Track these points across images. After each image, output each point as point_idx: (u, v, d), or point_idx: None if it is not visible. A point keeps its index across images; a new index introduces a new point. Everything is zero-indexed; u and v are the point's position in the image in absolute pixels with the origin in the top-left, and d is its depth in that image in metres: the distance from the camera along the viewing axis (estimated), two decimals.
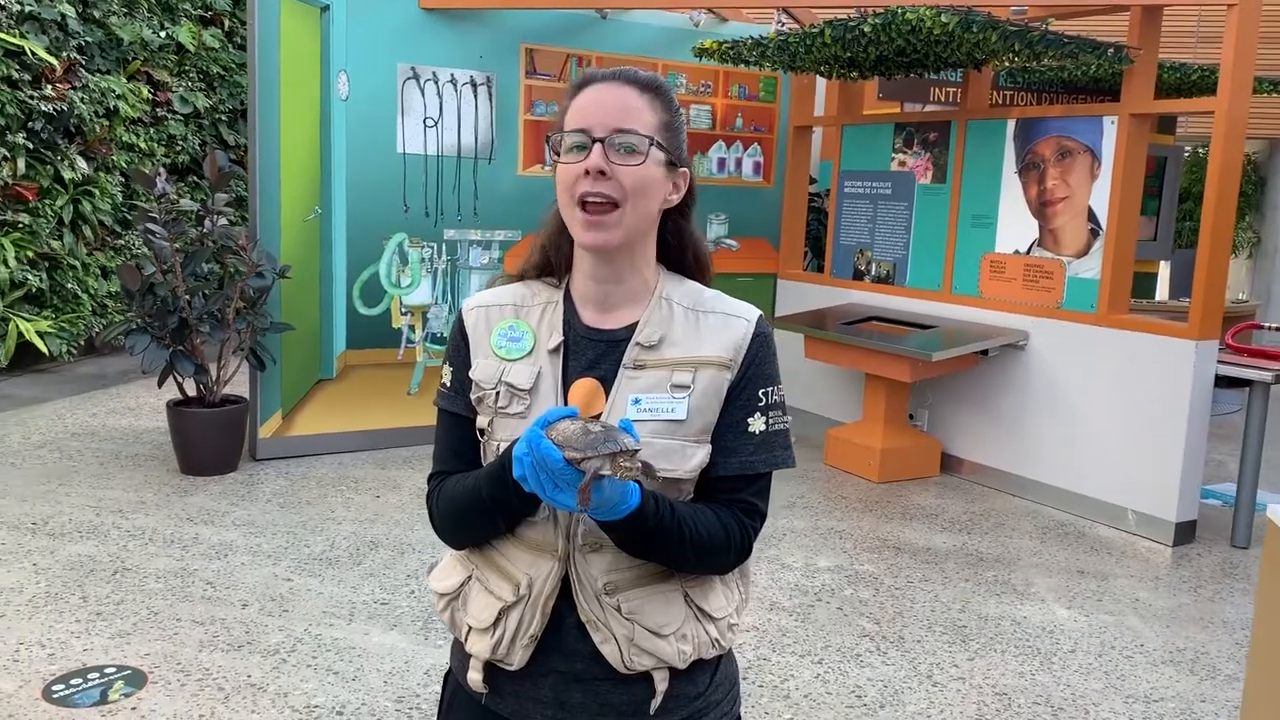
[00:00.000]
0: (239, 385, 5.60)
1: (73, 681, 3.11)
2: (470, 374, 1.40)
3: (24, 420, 6.00)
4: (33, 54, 6.69)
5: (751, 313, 1.42)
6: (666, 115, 1.37)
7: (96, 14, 7.34)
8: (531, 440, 1.18)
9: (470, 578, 1.41)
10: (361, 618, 3.63)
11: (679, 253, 1.46)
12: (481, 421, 1.39)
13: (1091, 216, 5.06)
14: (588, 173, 1.30)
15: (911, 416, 5.89)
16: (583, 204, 1.32)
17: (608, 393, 1.35)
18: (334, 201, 5.46)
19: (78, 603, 3.64)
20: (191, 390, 5.18)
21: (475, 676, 1.38)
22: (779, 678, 3.35)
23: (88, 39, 7.27)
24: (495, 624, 1.35)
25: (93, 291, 7.43)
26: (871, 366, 5.49)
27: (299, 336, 5.42)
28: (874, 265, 6.23)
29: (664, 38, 6.21)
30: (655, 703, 1.33)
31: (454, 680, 1.46)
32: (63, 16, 6.99)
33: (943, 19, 4.30)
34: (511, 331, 1.40)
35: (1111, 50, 4.74)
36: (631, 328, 1.38)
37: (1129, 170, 4.91)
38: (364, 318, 5.63)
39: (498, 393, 1.37)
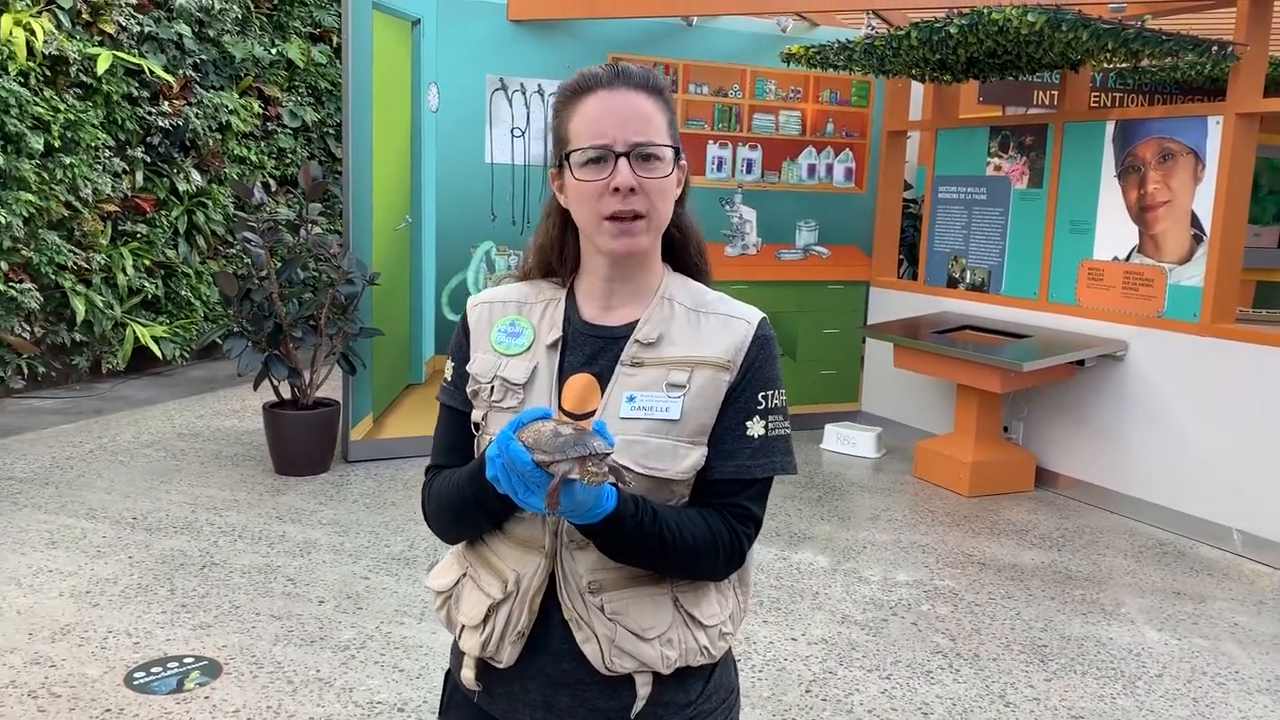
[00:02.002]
0: (332, 389, 5.77)
1: (153, 669, 3.24)
2: (469, 368, 1.41)
3: (136, 420, 6.29)
4: (151, 72, 7.03)
5: (754, 315, 1.40)
6: (669, 113, 1.37)
7: (211, 33, 7.68)
8: (502, 442, 1.18)
9: (464, 575, 1.42)
10: (431, 617, 3.69)
11: (682, 244, 1.45)
12: (476, 416, 1.40)
13: (1195, 221, 4.83)
14: (617, 191, 1.30)
15: (1006, 429, 5.71)
16: (608, 217, 1.32)
17: (603, 389, 1.34)
18: (424, 210, 5.58)
19: (165, 595, 3.79)
20: (286, 393, 5.36)
21: (468, 674, 1.39)
22: (843, 692, 3.28)
23: (203, 57, 7.61)
24: (485, 620, 1.36)
25: (205, 298, 7.75)
26: (962, 377, 5.35)
27: (389, 342, 5.56)
28: (968, 272, 6.07)
29: (751, 44, 6.18)
30: (636, 707, 1.32)
31: (452, 679, 1.47)
32: (180, 36, 7.33)
33: (1029, 18, 4.17)
34: (512, 327, 1.41)
35: (1215, 47, 4.52)
36: (632, 325, 1.38)
37: (1235, 172, 4.68)
38: (452, 324, 5.73)
39: (492, 386, 1.37)
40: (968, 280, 6.07)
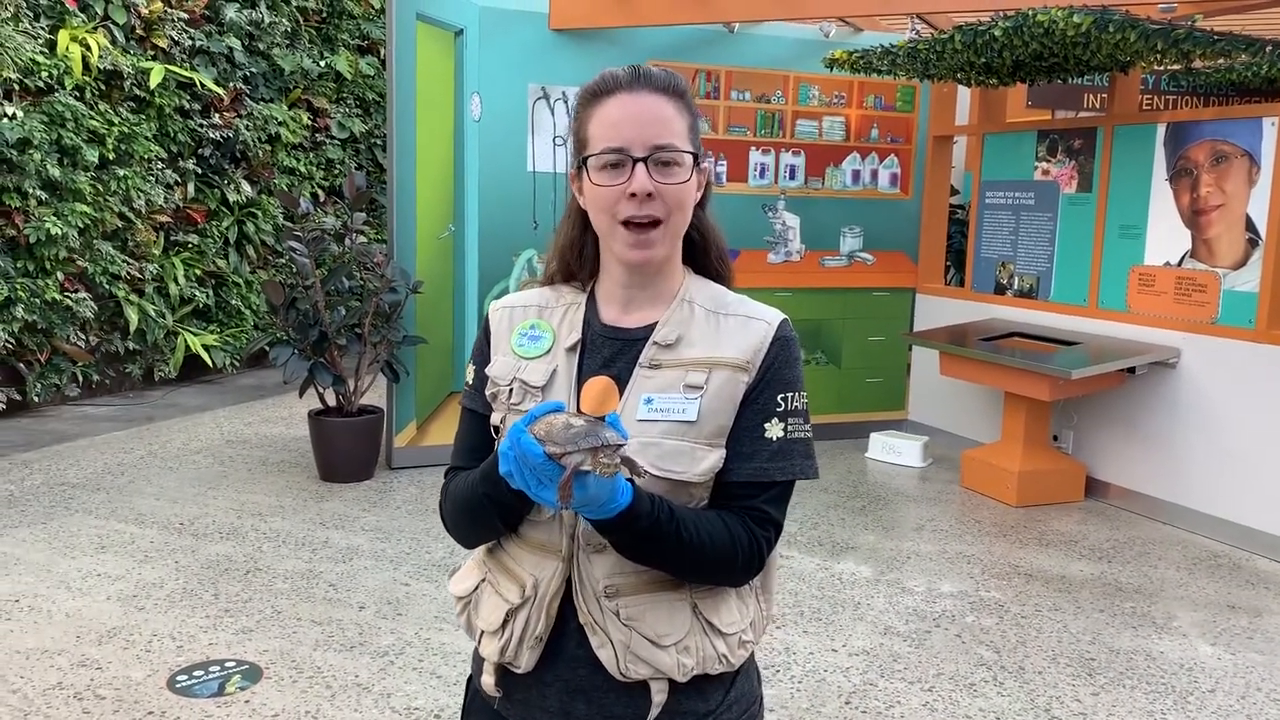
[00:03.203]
0: (376, 396, 5.82)
1: (195, 673, 3.27)
2: (488, 370, 1.41)
3: (187, 427, 6.40)
4: (202, 85, 7.16)
5: (774, 316, 1.38)
6: (690, 117, 1.36)
7: (261, 46, 7.81)
8: (514, 435, 1.16)
9: (483, 581, 1.41)
10: None
11: (703, 249, 1.43)
12: (495, 418, 1.39)
13: (1250, 225, 4.71)
14: (634, 195, 1.29)
15: (1055, 438, 5.61)
16: (625, 222, 1.31)
17: (622, 392, 1.33)
18: (467, 219, 5.62)
19: (209, 599, 3.84)
20: (331, 400, 5.41)
21: (488, 680, 1.38)
22: (884, 704, 3.23)
23: (253, 70, 7.73)
24: (504, 626, 1.35)
25: (255, 307, 7.87)
26: (1010, 385, 5.26)
27: (433, 349, 5.60)
28: (1016, 279, 5.98)
29: (795, 50, 6.14)
30: (651, 715, 1.30)
31: (474, 685, 1.46)
32: (230, 50, 7.46)
33: (1075, 19, 4.10)
34: (532, 331, 1.41)
35: (1270, 47, 4.41)
36: (650, 327, 1.37)
37: None
38: None
39: (511, 389, 1.37)
40: (1015, 287, 5.98)
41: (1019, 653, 3.61)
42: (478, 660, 1.43)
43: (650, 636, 1.29)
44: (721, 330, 1.35)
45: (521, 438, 1.15)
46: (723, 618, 1.33)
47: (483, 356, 1.44)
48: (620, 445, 1.16)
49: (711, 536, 1.28)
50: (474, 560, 1.46)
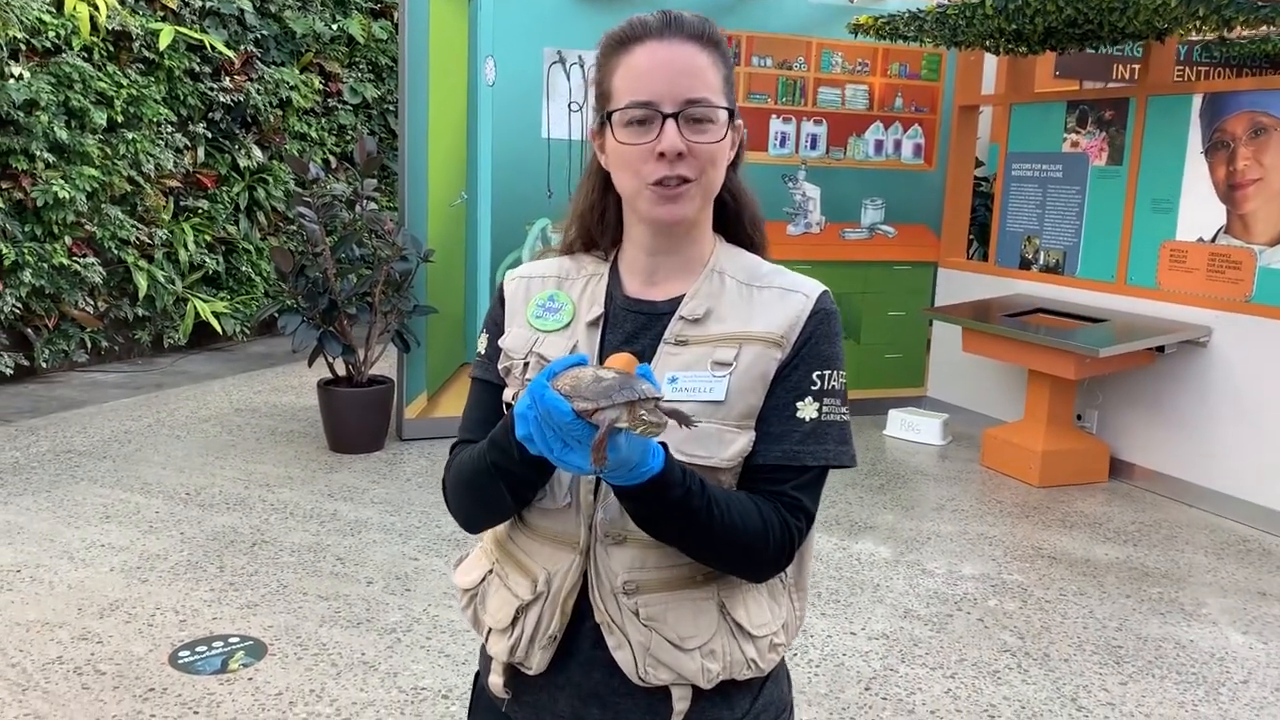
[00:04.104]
0: (387, 367, 5.72)
1: (198, 649, 3.20)
2: (500, 342, 1.30)
3: (195, 395, 6.32)
4: (213, 48, 7.03)
5: (813, 288, 1.26)
6: (725, 69, 1.23)
7: (272, 8, 7.66)
8: (535, 392, 1.02)
9: (490, 572, 1.30)
10: None
11: (736, 215, 1.31)
12: (508, 394, 1.28)
13: None
14: (663, 156, 1.17)
15: (1079, 417, 5.47)
16: (652, 185, 1.19)
17: None
18: (480, 186, 5.49)
19: (214, 572, 3.76)
20: (341, 370, 5.32)
21: (496, 680, 1.28)
22: (905, 690, 3.13)
23: (264, 32, 7.59)
24: (513, 624, 1.24)
25: (265, 274, 7.77)
26: (1034, 362, 5.13)
27: (444, 319, 5.49)
28: (1042, 254, 5.82)
29: (818, 15, 5.97)
30: None
31: (480, 682, 1.36)
32: (241, 11, 7.32)
33: None
34: (550, 302, 1.29)
35: None
36: (677, 300, 1.25)
37: None
38: None
39: (527, 363, 1.26)
40: (1041, 262, 5.83)
41: (1043, 639, 3.51)
42: (485, 658, 1.33)
43: (672, 639, 1.18)
44: (754, 304, 1.24)
45: (545, 394, 1.01)
46: (753, 618, 1.22)
47: (496, 327, 1.33)
48: (659, 398, 1.03)
49: (743, 518, 1.16)
50: (481, 549, 1.35)
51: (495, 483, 1.18)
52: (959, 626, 3.58)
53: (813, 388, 1.21)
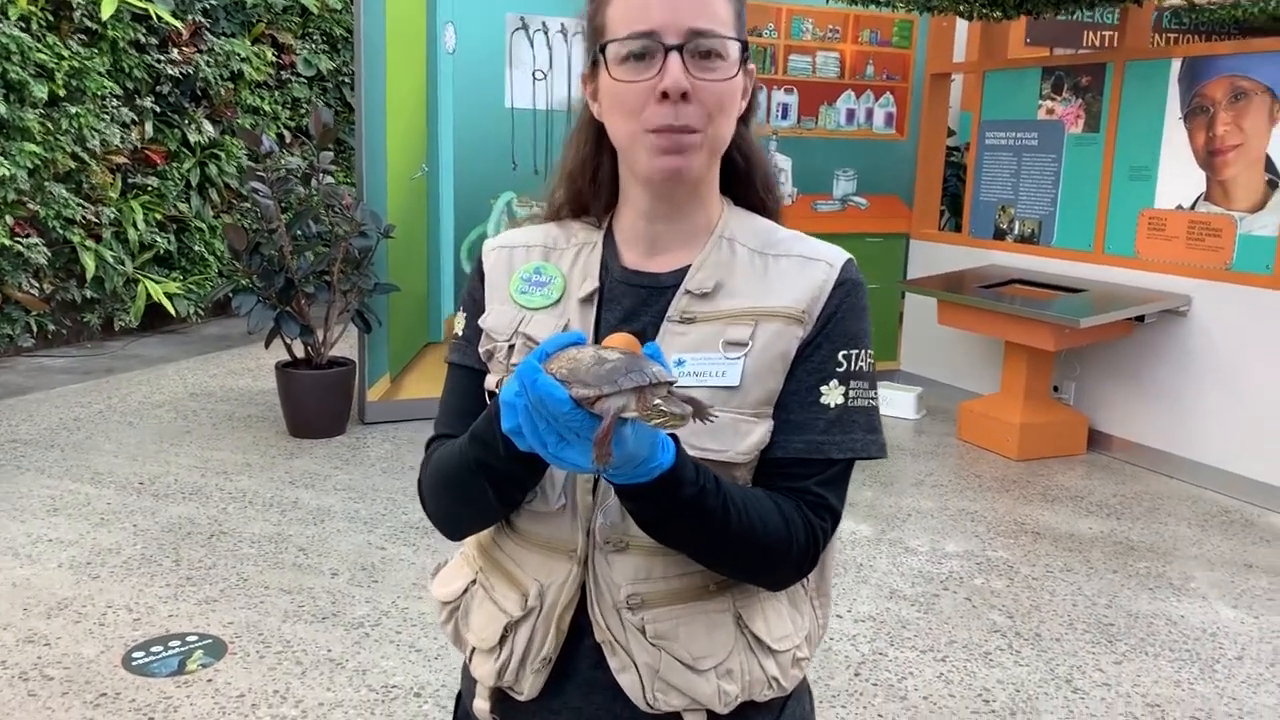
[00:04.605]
0: (347, 348, 5.53)
1: (153, 649, 3.02)
2: (481, 322, 1.14)
3: (148, 380, 6.09)
4: (159, 18, 6.74)
5: (837, 256, 1.11)
6: (737, 1, 1.07)
7: None
8: (526, 376, 0.86)
9: (474, 583, 1.15)
10: None
11: (746, 175, 1.16)
12: (490, 381, 1.12)
13: (1270, 166, 4.48)
14: (666, 97, 1.00)
15: (1056, 389, 5.40)
16: (653, 132, 1.03)
17: None
18: (441, 159, 5.29)
19: (170, 566, 3.57)
20: (299, 352, 5.12)
21: (481, 705, 1.12)
22: (896, 675, 3.03)
23: (213, 2, 7.31)
24: (501, 643, 1.09)
25: (219, 254, 7.51)
26: (1012, 334, 5.03)
27: (406, 298, 5.30)
28: (1017, 223, 5.73)
29: None
30: None
31: (463, 706, 1.21)
32: None
33: None
34: (537, 276, 1.13)
35: None
36: (682, 272, 1.10)
37: None
38: None
39: (512, 345, 1.10)
40: (1016, 231, 5.74)
41: (1033, 618, 3.42)
42: (468, 680, 1.17)
43: (684, 658, 1.04)
44: (771, 275, 1.09)
45: (538, 378, 0.85)
46: (773, 630, 1.08)
47: (476, 304, 1.17)
48: (673, 383, 0.87)
49: (763, 520, 1.01)
50: (462, 556, 1.19)
51: (479, 483, 1.02)
52: (947, 607, 3.48)
53: (838, 369, 1.07)
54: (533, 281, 1.13)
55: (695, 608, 1.05)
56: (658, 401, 0.84)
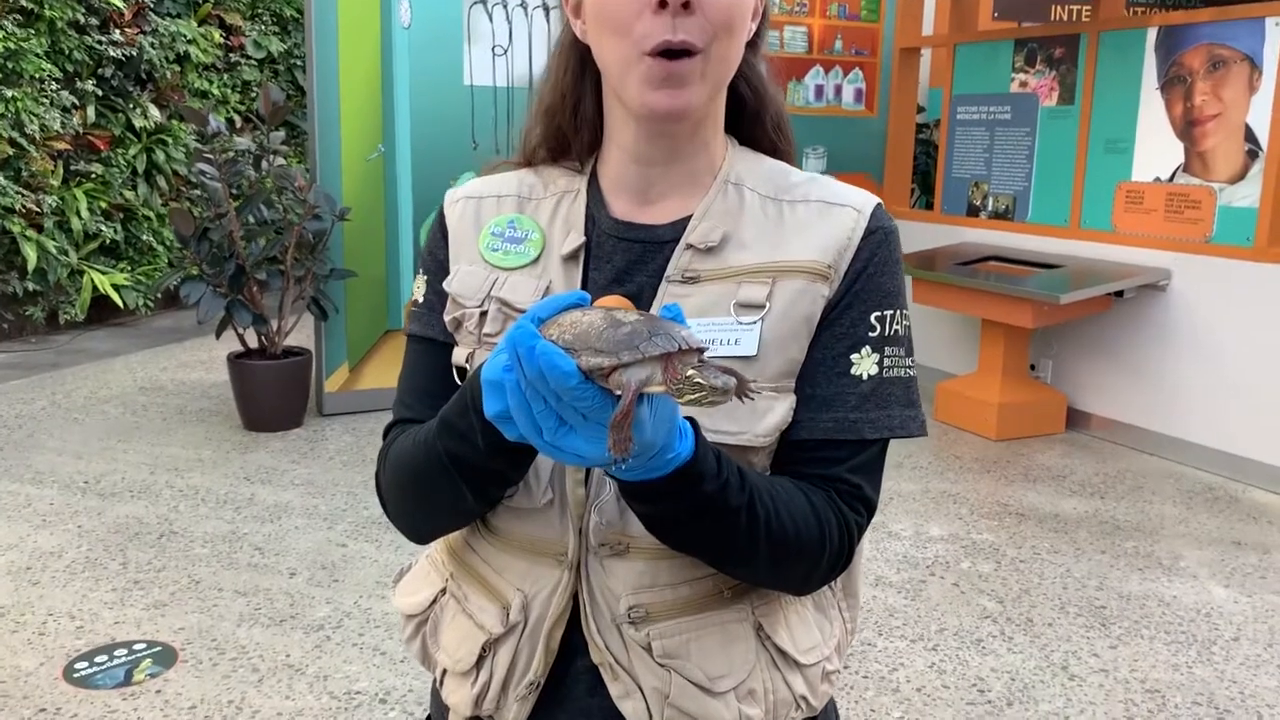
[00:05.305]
0: (303, 337, 5.32)
1: (97, 659, 2.82)
2: (445, 285, 0.97)
3: (95, 374, 5.83)
4: None
5: (864, 200, 0.95)
6: None
7: None
8: (521, 343, 0.69)
9: (444, 592, 0.97)
10: None
11: (755, 112, 0.99)
12: (459, 355, 0.95)
13: (1249, 135, 4.39)
14: (664, 5, 0.83)
15: (1033, 367, 5.30)
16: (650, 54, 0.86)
17: None
18: (398, 139, 5.08)
19: (117, 569, 3.37)
20: (253, 342, 4.90)
21: None
22: (887, 667, 2.90)
23: None
24: (478, 665, 0.92)
25: (168, 242, 7.24)
26: (989, 311, 4.92)
27: (364, 284, 5.09)
28: (991, 199, 5.62)
29: None
30: None
31: None
32: None
33: None
34: (511, 230, 0.96)
35: None
36: (682, 224, 0.93)
37: None
38: None
39: (484, 312, 0.93)
40: (990, 208, 5.63)
41: (1024, 602, 3.30)
42: (439, 706, 1.00)
43: (698, 680, 0.88)
44: (787, 223, 0.93)
45: (538, 348, 0.68)
46: (799, 641, 0.92)
47: (439, 265, 0.99)
48: (704, 349, 0.70)
49: (793, 517, 0.85)
50: (428, 560, 1.02)
51: (450, 480, 0.85)
52: (934, 593, 3.36)
53: (871, 334, 0.91)
54: (506, 237, 0.96)
55: (708, 618, 0.89)
56: (690, 372, 0.67)
